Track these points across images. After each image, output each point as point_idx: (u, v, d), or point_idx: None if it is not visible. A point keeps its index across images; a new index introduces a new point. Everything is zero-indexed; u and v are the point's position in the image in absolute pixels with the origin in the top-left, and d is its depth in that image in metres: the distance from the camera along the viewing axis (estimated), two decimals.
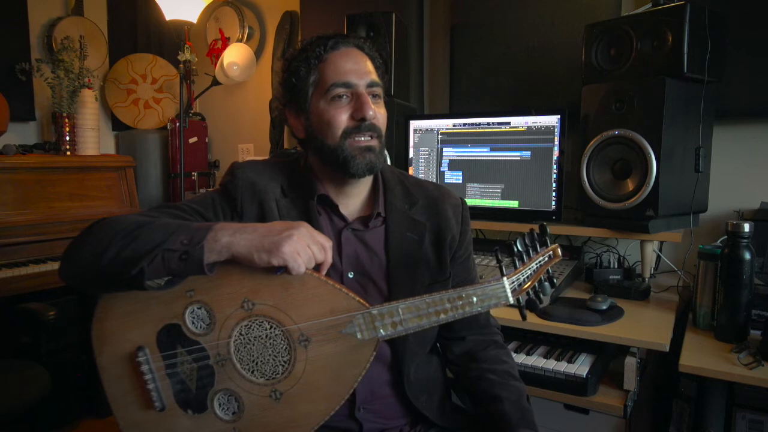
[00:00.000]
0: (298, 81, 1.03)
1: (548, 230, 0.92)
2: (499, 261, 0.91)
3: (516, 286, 0.89)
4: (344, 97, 1.01)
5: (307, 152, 1.10)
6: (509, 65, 2.10)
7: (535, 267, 0.90)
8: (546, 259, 0.90)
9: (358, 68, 1.01)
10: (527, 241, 0.91)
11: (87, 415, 2.47)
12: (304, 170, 1.10)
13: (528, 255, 0.90)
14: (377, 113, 1.02)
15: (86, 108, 2.61)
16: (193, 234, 0.85)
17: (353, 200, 1.09)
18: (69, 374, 2.35)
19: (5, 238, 2.22)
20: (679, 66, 1.50)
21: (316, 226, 1.02)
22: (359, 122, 1.00)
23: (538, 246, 0.91)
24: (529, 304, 0.90)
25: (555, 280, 0.91)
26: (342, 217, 1.07)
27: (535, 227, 0.93)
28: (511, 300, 0.88)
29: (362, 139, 1.01)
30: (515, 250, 0.90)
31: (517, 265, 0.90)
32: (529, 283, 0.89)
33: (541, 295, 0.90)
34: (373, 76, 1.03)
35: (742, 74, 1.67)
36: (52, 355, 2.22)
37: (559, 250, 0.91)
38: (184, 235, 0.85)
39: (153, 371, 0.92)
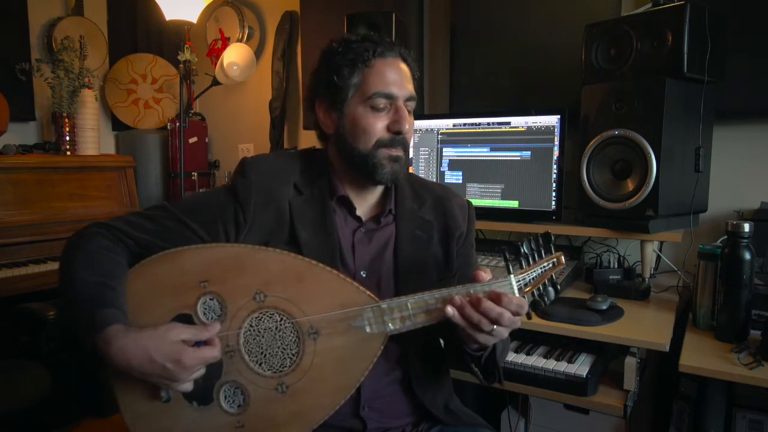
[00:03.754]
0: (339, 80, 1.02)
1: (552, 238, 0.93)
2: (506, 259, 0.93)
3: (522, 285, 0.90)
4: (383, 107, 1.02)
5: (327, 147, 1.11)
6: (509, 65, 2.09)
7: (540, 271, 0.92)
8: (550, 265, 0.92)
9: (401, 80, 1.03)
10: (533, 245, 0.93)
11: (87, 414, 2.46)
12: (322, 166, 1.10)
13: (534, 258, 0.92)
14: (410, 127, 1.05)
15: (86, 108, 2.61)
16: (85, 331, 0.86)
17: (368, 201, 1.11)
18: (69, 374, 2.35)
19: (5, 238, 2.22)
20: (679, 66, 1.50)
21: (331, 224, 1.04)
22: (394, 135, 1.02)
23: (542, 252, 0.93)
24: (533, 305, 0.92)
25: (559, 287, 0.93)
26: (357, 218, 1.08)
27: (539, 229, 0.94)
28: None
29: (393, 150, 1.02)
30: (522, 251, 0.92)
31: (524, 266, 0.91)
32: (533, 285, 0.91)
33: (546, 299, 0.92)
34: (412, 90, 1.05)
35: (742, 74, 1.66)
36: (52, 355, 2.22)
37: (562, 258, 0.93)
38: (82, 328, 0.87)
39: None
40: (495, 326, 0.87)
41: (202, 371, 0.90)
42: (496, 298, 0.87)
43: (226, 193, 1.04)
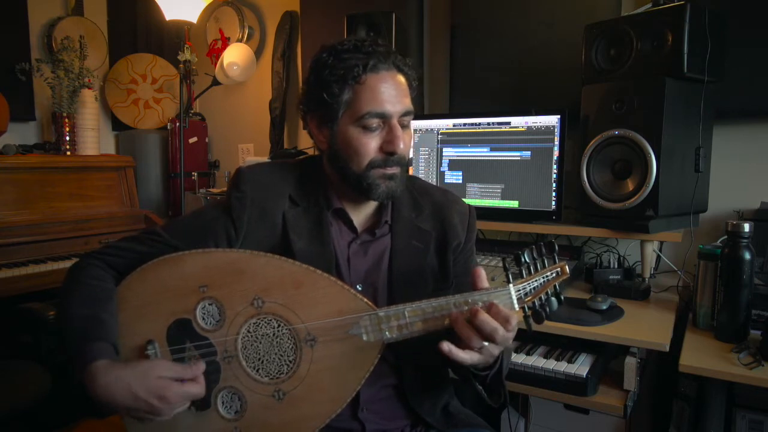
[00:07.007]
0: (329, 96, 0.97)
1: (556, 248, 0.91)
2: (506, 269, 0.90)
3: (522, 294, 0.88)
4: (376, 126, 0.97)
5: (323, 159, 1.07)
6: (509, 65, 2.09)
7: (541, 280, 0.89)
8: (553, 275, 0.90)
9: (395, 96, 0.97)
10: (535, 254, 0.90)
11: (87, 415, 2.46)
12: (318, 177, 1.07)
13: (535, 267, 0.90)
14: (405, 144, 0.99)
15: (86, 108, 2.61)
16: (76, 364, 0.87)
17: (364, 212, 1.08)
18: (69, 374, 2.35)
19: (5, 238, 2.21)
20: (679, 66, 1.50)
21: (328, 236, 1.02)
22: (387, 155, 0.98)
23: (545, 261, 0.90)
24: (535, 316, 0.89)
25: (562, 298, 0.90)
26: (353, 229, 1.06)
27: (539, 229, 0.92)
28: (516, 307, 0.87)
29: (387, 169, 0.99)
30: (522, 260, 0.89)
31: (524, 275, 0.89)
32: (534, 295, 0.89)
33: (548, 309, 0.89)
34: (407, 103, 0.99)
35: (742, 74, 1.66)
36: (52, 355, 2.22)
37: (567, 267, 0.90)
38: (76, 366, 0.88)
39: None
40: (486, 343, 0.86)
41: (185, 405, 0.89)
42: (487, 308, 0.85)
43: (219, 208, 1.03)
